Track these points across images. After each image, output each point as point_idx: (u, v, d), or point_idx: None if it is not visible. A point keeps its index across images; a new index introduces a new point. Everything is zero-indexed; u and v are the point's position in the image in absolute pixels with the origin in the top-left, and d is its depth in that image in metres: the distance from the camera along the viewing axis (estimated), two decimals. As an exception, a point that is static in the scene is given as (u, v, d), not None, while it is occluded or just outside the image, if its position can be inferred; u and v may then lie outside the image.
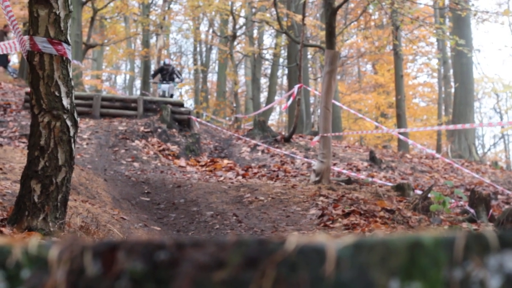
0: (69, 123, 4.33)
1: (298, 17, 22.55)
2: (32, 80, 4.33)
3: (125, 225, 6.16)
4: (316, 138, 10.71)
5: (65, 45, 4.36)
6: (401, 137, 15.38)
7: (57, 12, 4.32)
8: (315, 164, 10.27)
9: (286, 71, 32.83)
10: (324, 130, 10.00)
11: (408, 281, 0.85)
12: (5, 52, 5.42)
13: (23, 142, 12.10)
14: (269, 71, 37.53)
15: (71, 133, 4.34)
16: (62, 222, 4.25)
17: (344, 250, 0.88)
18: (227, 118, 31.53)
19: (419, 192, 9.46)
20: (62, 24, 4.37)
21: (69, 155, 4.32)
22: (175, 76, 23.70)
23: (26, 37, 4.33)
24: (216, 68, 40.71)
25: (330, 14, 10.82)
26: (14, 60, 31.83)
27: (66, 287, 0.90)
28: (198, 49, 43.34)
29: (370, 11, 24.96)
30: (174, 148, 13.66)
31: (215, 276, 0.88)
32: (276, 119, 47.06)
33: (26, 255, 0.92)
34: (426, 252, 0.85)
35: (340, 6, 11.32)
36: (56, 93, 4.29)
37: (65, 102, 4.32)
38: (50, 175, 4.23)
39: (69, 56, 4.42)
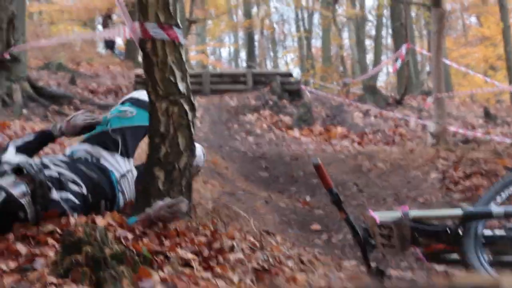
0: (186, 107, 4.27)
1: (401, -26, 21.92)
2: (145, 66, 4.30)
3: (248, 203, 6.15)
4: (430, 100, 10.44)
5: (176, 29, 4.29)
6: (518, 89, 14.75)
7: (166, -4, 4.25)
8: (431, 126, 10.03)
9: (390, 31, 32.12)
10: (437, 90, 9.75)
11: None
12: (112, 38, 5.44)
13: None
14: (373, 32, 36.89)
15: (190, 118, 4.29)
16: (189, 207, 4.23)
17: None
18: (335, 83, 31.17)
19: (542, 146, 9.02)
20: (171, 8, 4.30)
21: (189, 140, 4.28)
22: None
23: (136, 24, 4.29)
24: (320, 33, 40.26)
25: (437, -31, 10.38)
26: (119, 42, 32.35)
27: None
28: (299, 15, 43.03)
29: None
30: (287, 119, 13.57)
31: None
32: (384, 80, 46.30)
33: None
34: None
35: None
36: (171, 78, 4.24)
37: (181, 86, 4.27)
38: (172, 161, 4.20)
39: (181, 40, 4.35)
